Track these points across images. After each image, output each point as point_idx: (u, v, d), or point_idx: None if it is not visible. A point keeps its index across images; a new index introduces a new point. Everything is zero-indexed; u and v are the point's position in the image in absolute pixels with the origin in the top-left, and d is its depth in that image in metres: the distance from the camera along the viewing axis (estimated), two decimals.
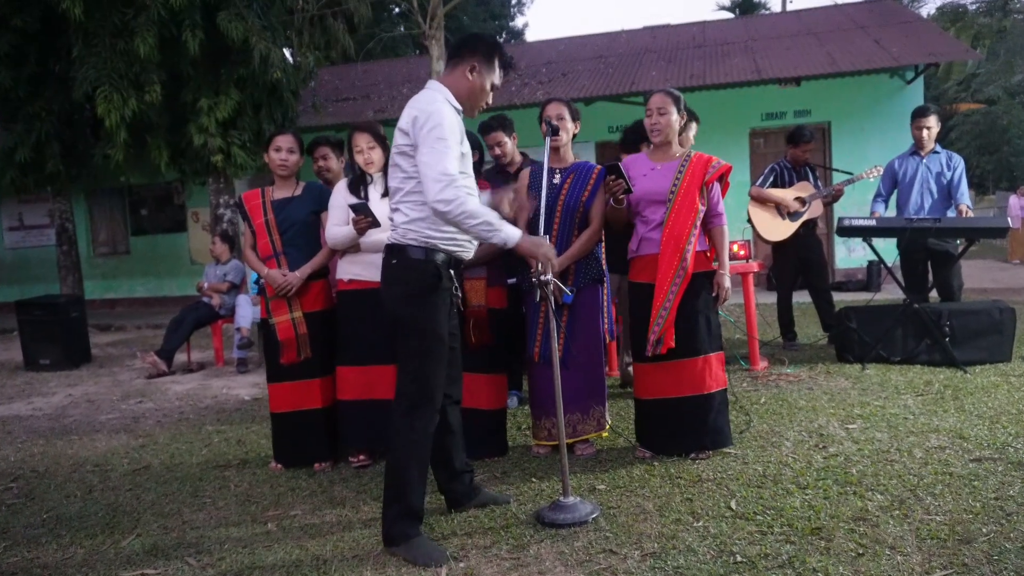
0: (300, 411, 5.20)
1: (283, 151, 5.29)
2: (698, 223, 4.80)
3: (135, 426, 6.82)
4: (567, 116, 5.13)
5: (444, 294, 3.79)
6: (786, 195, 8.13)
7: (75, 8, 11.54)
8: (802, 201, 8.08)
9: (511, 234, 3.72)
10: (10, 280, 19.60)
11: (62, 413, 7.56)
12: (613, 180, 4.63)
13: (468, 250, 3.92)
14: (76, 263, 16.01)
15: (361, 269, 5.06)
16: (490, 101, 3.97)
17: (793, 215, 8.10)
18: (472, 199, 3.66)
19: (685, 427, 4.82)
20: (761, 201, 8.19)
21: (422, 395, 3.74)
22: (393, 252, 3.81)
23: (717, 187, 4.97)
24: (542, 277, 4.11)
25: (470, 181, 3.80)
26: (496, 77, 3.90)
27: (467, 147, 3.82)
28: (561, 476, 4.10)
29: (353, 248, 5.05)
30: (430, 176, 3.57)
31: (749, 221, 8.25)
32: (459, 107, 3.81)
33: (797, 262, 8.38)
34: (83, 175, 15.08)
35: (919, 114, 7.80)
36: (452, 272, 3.85)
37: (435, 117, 3.60)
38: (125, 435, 6.50)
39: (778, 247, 8.33)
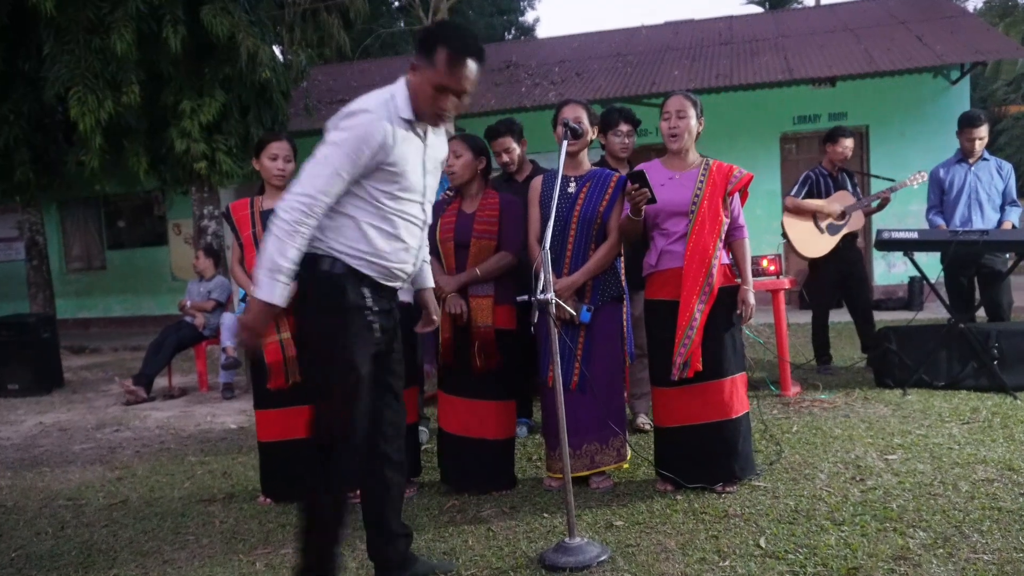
0: (289, 440, 5.19)
1: (280, 159, 5.31)
2: (723, 236, 4.86)
3: (111, 457, 6.85)
4: (585, 120, 5.15)
5: (355, 315, 3.51)
6: (825, 207, 8.13)
7: (46, 2, 11.60)
8: (842, 213, 8.08)
9: (259, 293, 3.35)
10: None
11: (32, 443, 7.60)
12: (636, 189, 4.63)
13: (388, 273, 3.62)
14: (47, 279, 16.05)
15: None
16: (449, 109, 3.60)
17: (832, 228, 8.09)
18: (299, 236, 3.35)
19: (714, 455, 4.84)
20: (797, 213, 8.19)
21: (337, 437, 3.47)
22: (303, 264, 3.45)
23: (738, 198, 5.03)
24: (541, 296, 4.12)
25: (412, 208, 3.64)
26: (445, 78, 3.48)
27: (410, 164, 3.57)
28: (567, 515, 4.10)
29: None
30: (298, 179, 3.42)
31: (784, 236, 8.24)
32: (408, 115, 3.52)
33: (836, 278, 8.35)
34: (55, 184, 15.11)
35: (970, 123, 7.78)
36: (370, 293, 3.56)
37: (349, 118, 3.41)
38: (101, 467, 6.53)
39: (815, 263, 8.31)
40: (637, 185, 4.60)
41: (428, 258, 4.18)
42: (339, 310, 3.50)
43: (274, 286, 3.31)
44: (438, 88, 3.48)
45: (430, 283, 4.27)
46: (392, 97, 3.51)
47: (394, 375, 3.81)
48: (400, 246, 3.61)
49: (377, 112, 3.43)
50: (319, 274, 3.50)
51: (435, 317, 4.24)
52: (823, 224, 8.09)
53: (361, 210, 3.50)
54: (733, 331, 4.94)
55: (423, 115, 3.57)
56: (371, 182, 3.47)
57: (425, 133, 3.67)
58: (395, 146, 3.45)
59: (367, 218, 3.51)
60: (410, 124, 3.55)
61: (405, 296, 5.16)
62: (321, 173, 3.36)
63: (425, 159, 3.68)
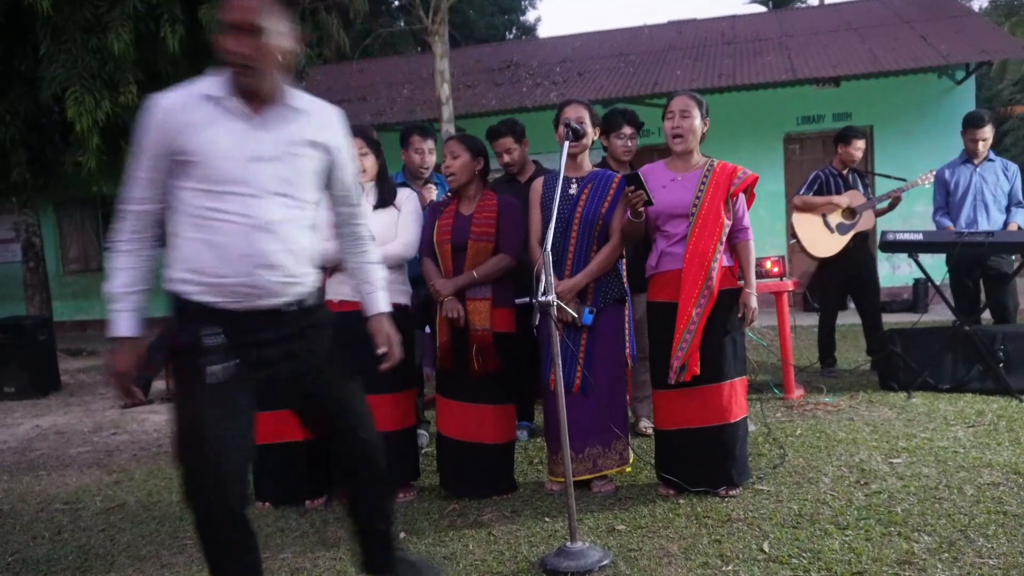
0: (281, 443, 5.20)
1: None
2: (724, 238, 4.84)
3: (109, 460, 6.86)
4: (587, 120, 5.15)
5: (185, 358, 3.07)
6: (835, 199, 8.09)
7: (43, 1, 11.58)
8: (852, 212, 8.08)
9: (113, 325, 3.10)
10: None
11: (28, 446, 7.61)
12: (632, 191, 4.63)
13: (233, 292, 3.06)
14: (44, 281, 16.04)
15: (352, 290, 5.08)
16: (236, 51, 2.95)
17: (842, 228, 8.07)
18: (118, 256, 3.08)
19: (711, 459, 4.83)
20: (807, 211, 8.18)
21: (188, 498, 3.05)
22: None
23: (742, 199, 5.00)
24: (542, 298, 4.11)
25: (238, 204, 3.03)
26: (221, 13, 3.01)
27: (220, 149, 3.02)
28: (568, 519, 4.10)
29: (343, 265, 5.07)
30: None
31: (794, 235, 8.23)
32: (213, 91, 3.03)
33: (843, 279, 8.36)
34: (52, 185, 15.09)
35: (973, 124, 7.79)
36: (218, 327, 3.05)
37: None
38: (98, 470, 6.54)
39: (824, 263, 8.32)
40: (633, 187, 4.60)
41: (375, 279, 3.75)
42: (173, 354, 3.12)
43: (113, 318, 3.08)
44: (221, 28, 3.00)
45: (377, 307, 3.68)
46: (198, 80, 3.08)
47: (329, 391, 3.44)
48: (233, 254, 3.03)
49: (162, 99, 3.01)
50: (168, 315, 3.12)
51: (385, 349, 3.62)
52: (833, 223, 8.08)
53: (181, 221, 3.07)
54: (734, 335, 4.92)
55: (241, 83, 3.03)
56: (177, 181, 3.03)
57: (260, 113, 3.08)
58: (187, 130, 2.97)
59: (187, 229, 3.06)
60: (218, 101, 3.03)
61: (402, 298, 5.17)
62: (127, 182, 3.04)
63: (258, 143, 3.06)
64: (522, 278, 5.07)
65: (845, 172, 8.30)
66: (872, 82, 14.96)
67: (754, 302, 4.92)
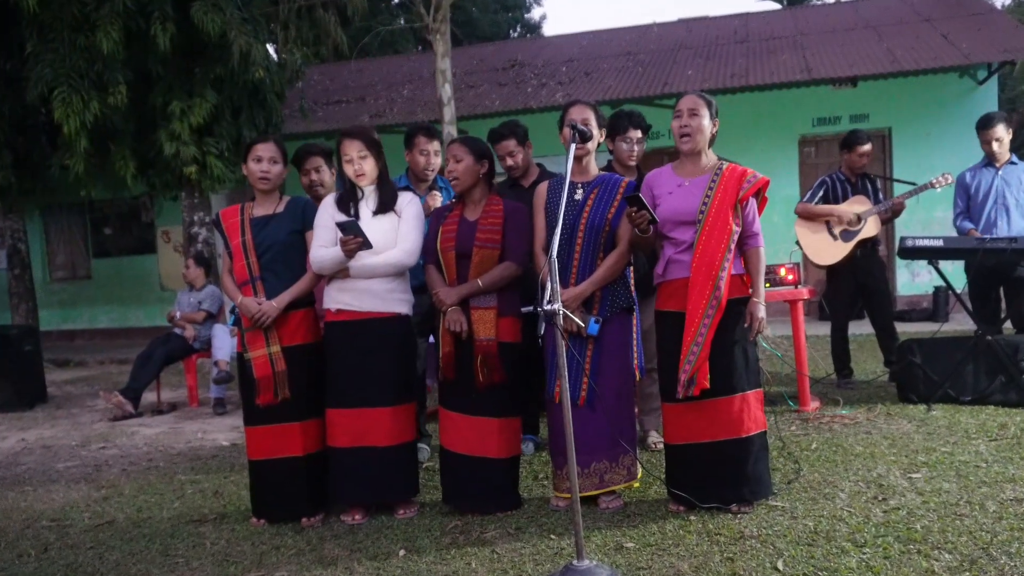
0: (278, 459, 5.23)
1: (264, 161, 5.31)
2: (732, 245, 4.79)
3: (97, 475, 6.85)
4: (593, 122, 5.14)
5: None
6: (837, 210, 8.11)
7: None
8: (856, 218, 8.07)
9: None
10: None
11: (14, 460, 7.61)
12: (636, 212, 4.62)
13: None
14: (30, 289, 16.08)
15: (351, 298, 5.09)
16: None
17: (846, 234, 8.06)
18: None
19: (721, 475, 4.81)
20: (809, 219, 8.17)
21: None
22: None
23: (753, 203, 4.94)
24: (547, 306, 4.11)
25: None
26: None
27: None
28: (574, 536, 4.08)
29: (342, 273, 5.09)
30: None
31: (797, 243, 8.22)
32: None
33: (854, 288, 8.34)
34: (38, 189, 15.14)
35: (983, 126, 7.83)
36: None
37: None
38: (86, 485, 6.53)
39: (833, 272, 8.29)
40: (635, 208, 4.58)
41: None
42: None
43: None
44: None
45: None
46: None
47: None
48: None
49: None
50: None
51: None
52: (837, 230, 8.06)
53: None
54: (745, 345, 4.88)
55: None
56: None
57: None
58: None
59: None
60: None
61: (402, 307, 5.18)
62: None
63: None
64: (528, 287, 5.07)
65: (854, 178, 8.28)
66: (890, 82, 14.96)
67: (762, 312, 4.87)
